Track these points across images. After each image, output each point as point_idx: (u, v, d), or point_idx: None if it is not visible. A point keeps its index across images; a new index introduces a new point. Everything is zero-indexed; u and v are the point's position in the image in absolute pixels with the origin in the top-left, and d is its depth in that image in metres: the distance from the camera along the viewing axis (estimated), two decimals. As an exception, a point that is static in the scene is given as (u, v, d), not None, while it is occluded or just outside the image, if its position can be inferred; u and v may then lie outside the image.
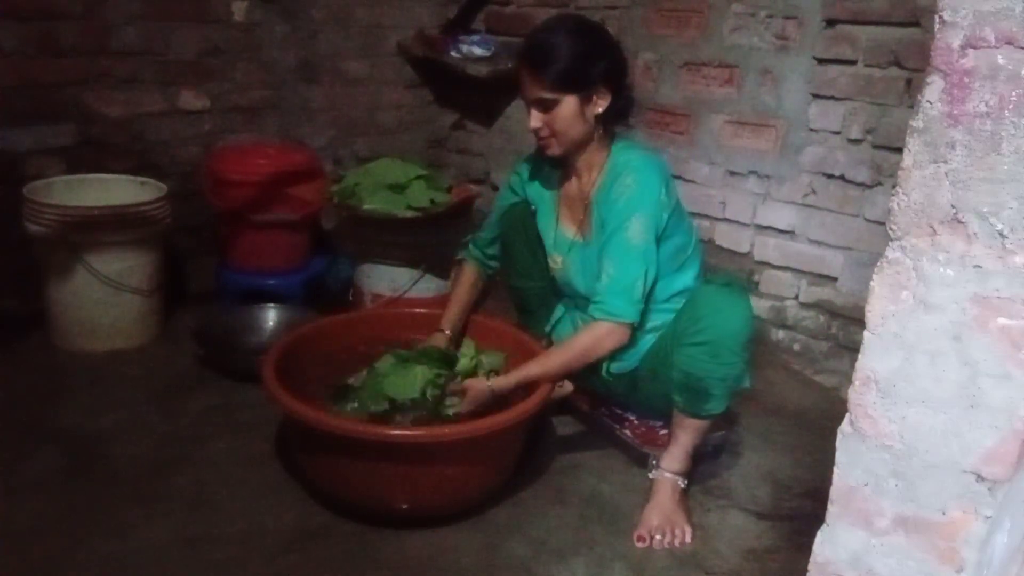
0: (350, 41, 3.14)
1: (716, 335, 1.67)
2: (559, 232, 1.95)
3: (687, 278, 1.88)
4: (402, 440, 1.63)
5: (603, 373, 1.91)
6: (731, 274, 1.74)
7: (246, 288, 2.61)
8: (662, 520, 1.72)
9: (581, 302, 1.91)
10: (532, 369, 1.79)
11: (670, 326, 1.82)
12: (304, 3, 2.96)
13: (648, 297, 1.79)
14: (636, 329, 1.79)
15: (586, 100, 1.76)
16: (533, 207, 2.01)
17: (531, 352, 1.93)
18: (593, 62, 1.74)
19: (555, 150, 1.82)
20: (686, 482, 1.81)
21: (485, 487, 1.76)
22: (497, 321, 2.12)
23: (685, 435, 1.78)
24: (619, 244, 1.74)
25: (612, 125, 1.85)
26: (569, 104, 1.74)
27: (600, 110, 1.78)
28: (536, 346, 1.97)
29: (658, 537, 1.69)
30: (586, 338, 1.78)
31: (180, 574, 1.53)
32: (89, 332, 2.33)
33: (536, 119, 1.78)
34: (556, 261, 1.95)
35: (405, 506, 1.68)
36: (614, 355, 1.86)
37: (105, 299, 2.30)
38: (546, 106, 1.75)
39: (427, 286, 2.47)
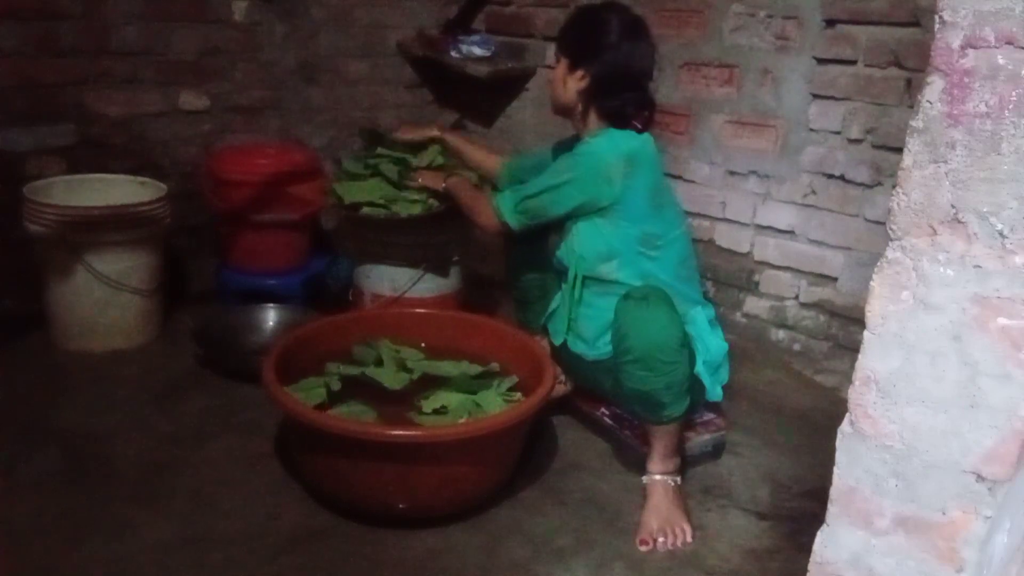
0: (350, 41, 3.13)
1: (644, 351, 1.68)
2: None
3: (653, 268, 1.87)
4: (402, 440, 1.62)
5: (588, 358, 1.95)
6: (650, 286, 1.73)
7: (246, 288, 2.61)
8: (661, 522, 1.71)
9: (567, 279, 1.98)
10: (459, 184, 2.18)
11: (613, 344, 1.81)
12: (304, 3, 2.96)
13: (599, 272, 1.89)
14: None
15: (571, 72, 1.90)
16: None
17: (532, 353, 1.94)
18: (580, 40, 1.89)
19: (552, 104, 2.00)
20: (679, 479, 1.81)
21: (485, 487, 1.76)
22: (497, 322, 2.12)
23: (659, 440, 1.79)
24: (542, 174, 1.93)
25: (606, 118, 1.90)
26: (560, 68, 1.93)
27: (578, 88, 1.88)
28: (536, 347, 1.98)
29: (661, 539, 1.69)
30: (480, 200, 2.06)
31: (180, 574, 1.53)
32: (89, 332, 2.33)
33: (550, 72, 2.00)
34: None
35: (404, 506, 1.68)
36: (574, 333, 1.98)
37: (105, 299, 2.30)
38: (556, 62, 1.95)
39: (427, 286, 2.46)
